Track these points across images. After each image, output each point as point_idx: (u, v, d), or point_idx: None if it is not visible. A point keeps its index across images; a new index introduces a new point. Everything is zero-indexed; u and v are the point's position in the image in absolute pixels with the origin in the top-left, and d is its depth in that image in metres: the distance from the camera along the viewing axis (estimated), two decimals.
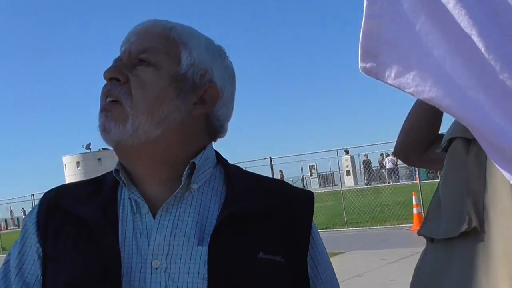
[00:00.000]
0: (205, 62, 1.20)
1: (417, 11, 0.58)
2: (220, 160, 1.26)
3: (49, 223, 1.18)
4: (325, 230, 15.13)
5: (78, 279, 1.09)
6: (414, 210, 13.04)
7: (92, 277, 1.08)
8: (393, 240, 11.58)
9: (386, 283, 7.62)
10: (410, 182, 23.91)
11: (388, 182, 26.51)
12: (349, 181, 30.04)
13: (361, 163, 30.73)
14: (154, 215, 1.13)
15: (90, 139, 27.77)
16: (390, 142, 22.17)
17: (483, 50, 0.57)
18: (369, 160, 29.44)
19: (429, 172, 20.75)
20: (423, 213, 13.18)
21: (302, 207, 1.23)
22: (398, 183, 24.14)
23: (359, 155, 30.62)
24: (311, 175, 35.06)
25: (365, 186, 23.37)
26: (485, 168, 0.84)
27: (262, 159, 18.37)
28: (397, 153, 1.91)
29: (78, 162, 28.13)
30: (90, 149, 27.98)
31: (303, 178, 34.68)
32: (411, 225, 13.05)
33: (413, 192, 13.43)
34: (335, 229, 14.93)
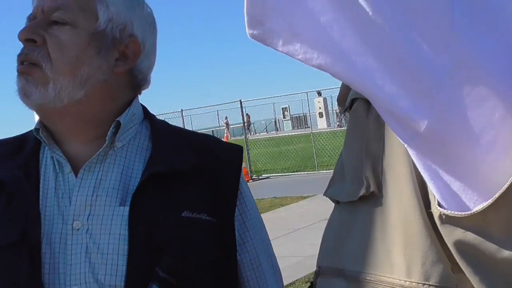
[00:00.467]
0: (123, 15, 1.15)
1: None
2: (146, 115, 1.23)
3: None
4: (295, 173, 15.23)
5: None
6: None
7: (9, 242, 1.06)
8: None
9: None
10: None
11: None
12: (321, 123, 30.14)
13: (333, 105, 30.80)
14: (77, 175, 1.11)
15: None
16: None
17: (370, 13, 0.56)
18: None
19: None
20: None
21: (230, 162, 1.21)
22: None
23: (331, 97, 30.62)
24: (284, 117, 35.08)
25: (338, 129, 23.47)
26: (384, 131, 0.82)
27: (232, 102, 18.22)
28: (340, 101, 1.81)
29: None
30: None
31: (275, 120, 34.72)
32: None
33: None
34: (305, 172, 15.04)
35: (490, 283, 0.69)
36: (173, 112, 19.04)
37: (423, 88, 0.58)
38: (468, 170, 0.64)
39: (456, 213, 0.67)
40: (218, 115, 28.65)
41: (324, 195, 1.01)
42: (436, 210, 0.71)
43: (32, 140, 1.17)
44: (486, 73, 0.58)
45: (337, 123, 29.76)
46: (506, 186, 0.62)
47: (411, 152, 0.67)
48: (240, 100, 16.58)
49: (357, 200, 0.84)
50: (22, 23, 1.14)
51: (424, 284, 0.76)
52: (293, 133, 24.50)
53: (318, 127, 26.87)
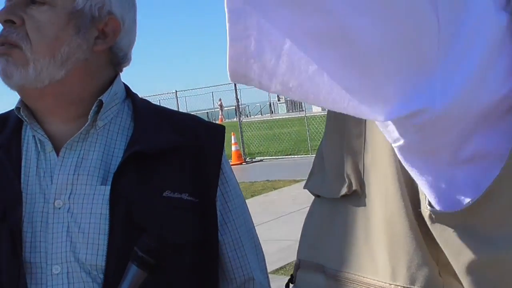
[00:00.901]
0: None
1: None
2: (129, 94, 1.23)
3: None
4: (288, 156, 15.23)
5: None
6: None
7: None
8: None
9: None
10: None
11: None
12: (316, 107, 30.08)
13: None
14: (58, 154, 1.12)
15: None
16: None
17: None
18: None
19: None
20: None
21: (212, 142, 1.21)
22: None
23: None
24: (278, 100, 35.01)
25: None
26: (365, 127, 0.78)
27: (226, 84, 18.15)
28: None
29: None
30: None
31: (270, 103, 34.66)
32: None
33: None
34: (298, 156, 15.02)
35: (484, 284, 0.67)
36: (167, 93, 18.96)
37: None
38: (457, 165, 0.62)
39: (446, 211, 0.65)
40: (212, 97, 28.60)
41: (304, 187, 0.99)
42: (426, 210, 0.68)
43: (13, 119, 1.17)
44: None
45: None
46: (493, 179, 0.60)
47: (397, 149, 0.65)
48: (235, 83, 16.45)
49: (339, 198, 0.82)
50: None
51: (409, 287, 0.75)
52: (287, 116, 24.47)
53: (313, 111, 26.80)
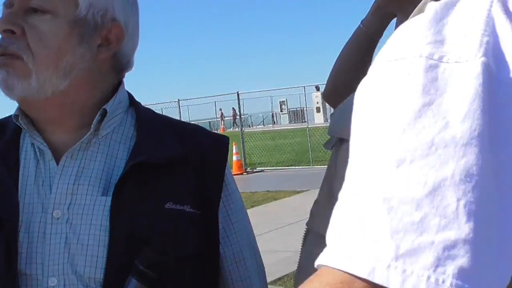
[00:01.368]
0: (104, 0, 1.11)
1: None
2: (132, 103, 1.20)
3: None
4: (290, 167, 15.22)
5: None
6: None
7: None
8: None
9: None
10: None
11: None
12: (319, 118, 30.10)
13: None
14: (58, 163, 1.09)
15: None
16: None
17: None
18: None
19: None
20: None
21: (216, 153, 1.19)
22: None
23: None
24: (281, 111, 35.05)
25: None
26: None
27: (229, 93, 18.18)
28: (325, 97, 1.85)
29: None
30: None
31: (273, 114, 34.69)
32: None
33: None
34: (300, 167, 15.01)
35: None
36: (169, 102, 18.95)
37: None
38: None
39: None
40: (215, 106, 28.66)
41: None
42: None
43: (12, 126, 1.14)
44: None
45: None
46: None
47: None
48: (238, 92, 16.52)
49: None
50: None
51: None
52: (289, 127, 24.48)
53: (315, 122, 26.85)
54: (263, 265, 1.26)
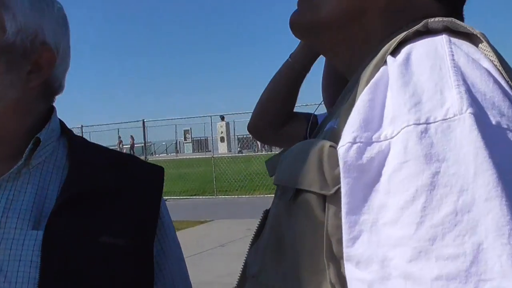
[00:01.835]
0: (33, 23, 1.04)
1: None
2: (64, 130, 1.16)
3: None
4: (194, 197, 15.12)
5: None
6: None
7: None
8: (260, 210, 11.61)
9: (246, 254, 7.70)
10: None
11: (261, 151, 27.05)
12: (222, 148, 30.35)
13: (235, 131, 31.15)
14: None
15: None
16: None
17: None
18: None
19: None
20: None
21: (151, 184, 1.16)
22: (271, 152, 24.66)
23: (234, 122, 30.93)
24: (185, 140, 34.97)
25: (238, 154, 23.70)
26: None
27: (135, 121, 17.95)
28: (250, 129, 1.87)
29: None
30: None
31: (177, 142, 34.55)
32: None
33: None
34: (204, 196, 14.97)
35: None
36: (72, 128, 18.43)
37: None
38: None
39: None
40: (118, 133, 28.10)
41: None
42: None
43: None
44: None
45: (238, 148, 30.06)
46: None
47: None
48: (143, 120, 16.36)
49: None
50: None
51: None
52: (193, 156, 24.43)
53: (219, 152, 26.98)
54: None
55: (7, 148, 1.05)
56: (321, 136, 0.76)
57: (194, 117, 22.27)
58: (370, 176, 0.62)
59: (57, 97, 1.15)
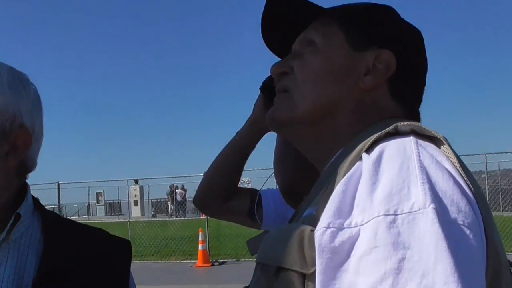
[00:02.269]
0: (12, 107, 1.08)
1: None
2: (36, 206, 1.19)
3: None
4: None
5: None
6: (200, 247, 13.26)
7: None
8: (177, 276, 11.63)
9: None
10: (196, 217, 24.39)
11: (176, 216, 26.77)
12: (136, 211, 29.67)
13: (149, 195, 30.67)
14: None
15: None
16: (179, 176, 22.59)
17: None
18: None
19: None
20: (207, 250, 13.51)
21: (120, 257, 1.21)
22: (185, 218, 24.43)
23: (148, 186, 30.51)
24: (97, 202, 33.96)
25: (153, 219, 23.32)
26: None
27: (50, 183, 17.42)
28: (196, 202, 1.92)
29: None
30: None
31: (89, 205, 33.47)
32: (195, 261, 13.25)
33: (200, 228, 13.69)
34: None
35: None
36: None
37: None
38: None
39: None
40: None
41: None
42: None
43: None
44: None
45: (152, 212, 29.59)
46: None
47: None
48: (58, 182, 15.99)
49: None
50: None
51: None
52: (105, 220, 23.81)
53: (132, 215, 26.45)
54: None
55: None
56: (300, 221, 0.80)
57: (108, 181, 21.71)
58: (341, 257, 0.68)
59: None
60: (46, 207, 1.24)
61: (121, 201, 32.66)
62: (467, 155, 13.58)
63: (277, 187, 1.73)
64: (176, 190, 28.80)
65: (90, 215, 32.51)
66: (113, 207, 33.16)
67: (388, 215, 0.65)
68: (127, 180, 19.14)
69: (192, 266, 12.93)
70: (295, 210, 0.97)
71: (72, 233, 1.19)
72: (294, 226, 0.78)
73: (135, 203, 30.49)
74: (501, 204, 17.94)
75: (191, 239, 14.22)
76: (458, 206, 0.67)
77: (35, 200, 1.20)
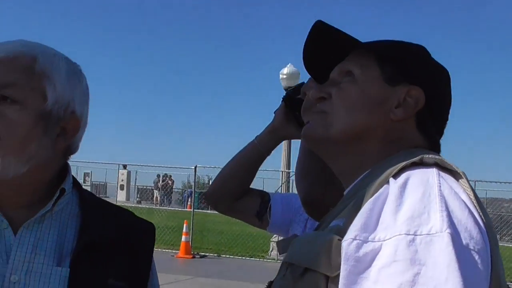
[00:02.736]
0: (68, 95, 1.20)
1: None
2: (75, 184, 1.30)
3: None
4: None
5: None
6: (183, 238, 13.33)
7: None
8: (158, 265, 11.44)
9: None
10: (180, 209, 24.38)
11: (160, 205, 26.80)
12: (121, 195, 29.64)
13: (136, 181, 30.69)
14: (14, 233, 1.16)
15: None
16: (167, 166, 22.56)
17: None
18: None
19: (200, 202, 21.46)
20: (190, 242, 13.57)
21: (146, 238, 1.34)
22: (171, 208, 24.43)
23: (136, 172, 30.52)
24: (84, 182, 33.89)
25: (138, 205, 23.31)
26: None
27: None
28: (208, 198, 2.01)
29: None
30: None
31: None
32: (177, 251, 13.32)
33: (185, 220, 13.75)
34: None
35: None
36: None
37: None
38: None
39: None
40: None
41: None
42: None
43: None
44: None
45: (137, 198, 29.62)
46: None
47: None
48: None
49: None
50: None
51: None
52: None
53: (118, 199, 26.44)
54: None
55: (30, 197, 1.20)
56: (328, 230, 0.89)
57: (97, 162, 21.77)
58: (363, 266, 0.76)
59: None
60: None
61: (108, 183, 32.63)
62: None
63: (282, 191, 1.83)
64: (163, 179, 28.84)
65: None
66: (98, 189, 33.10)
67: (408, 234, 0.73)
68: (118, 164, 19.13)
69: (173, 256, 12.99)
70: (320, 220, 1.06)
71: (106, 211, 1.31)
72: (323, 234, 0.88)
73: (121, 187, 30.45)
74: None
75: (175, 230, 14.28)
76: (471, 233, 0.75)
77: (74, 179, 1.31)
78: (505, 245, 16.03)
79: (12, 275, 1.11)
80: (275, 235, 13.02)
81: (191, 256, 13.26)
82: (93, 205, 1.29)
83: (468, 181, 0.88)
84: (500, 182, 15.65)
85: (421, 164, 0.88)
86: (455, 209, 0.77)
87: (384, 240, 0.75)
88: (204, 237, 16.07)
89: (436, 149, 1.04)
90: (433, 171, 0.85)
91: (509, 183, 15.69)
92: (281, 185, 12.01)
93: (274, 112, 1.86)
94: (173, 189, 28.81)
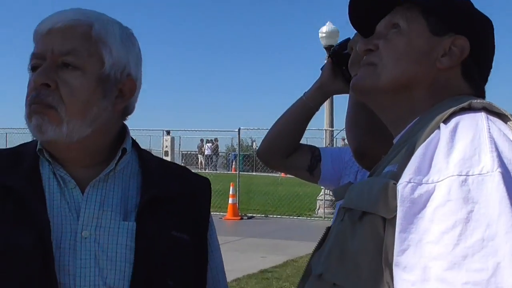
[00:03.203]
0: (123, 58, 1.26)
1: None
2: (133, 143, 1.37)
3: None
4: None
5: (10, 248, 1.12)
6: (230, 200, 13.58)
7: (24, 245, 1.13)
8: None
9: None
10: (226, 172, 24.61)
11: (205, 169, 27.15)
12: None
13: (180, 146, 31.08)
14: (82, 191, 1.23)
15: None
16: (211, 130, 22.75)
17: None
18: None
19: (245, 165, 21.63)
20: (237, 204, 13.76)
21: (204, 193, 1.41)
22: (217, 172, 24.75)
23: (180, 138, 30.88)
24: None
25: None
26: None
27: None
28: (260, 155, 2.06)
29: None
30: None
31: None
32: (225, 214, 13.55)
33: (231, 183, 13.94)
34: None
35: None
36: None
37: None
38: None
39: None
40: None
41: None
42: None
43: (30, 156, 1.26)
44: None
45: (182, 163, 29.98)
46: None
47: None
48: None
49: None
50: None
51: None
52: None
53: None
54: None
55: (94, 157, 1.27)
56: (382, 176, 0.93)
57: (140, 129, 22.05)
58: (418, 207, 0.79)
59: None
60: None
61: (152, 150, 33.14)
62: None
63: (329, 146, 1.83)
64: (207, 144, 29.08)
65: None
66: None
67: (460, 175, 0.77)
68: (162, 130, 19.37)
69: (221, 218, 13.22)
70: (371, 168, 1.09)
71: (164, 167, 1.38)
72: (378, 179, 0.91)
73: (166, 153, 30.86)
74: None
75: (222, 193, 14.49)
76: None
77: (132, 139, 1.37)
78: None
79: (83, 230, 1.19)
80: (321, 194, 13.10)
81: (239, 217, 13.49)
82: (152, 163, 1.36)
83: None
84: None
85: (470, 109, 0.91)
86: (504, 149, 0.80)
87: (438, 182, 0.79)
88: (251, 199, 16.29)
89: (482, 95, 1.06)
90: (482, 115, 0.87)
91: None
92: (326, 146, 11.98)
93: (321, 69, 1.89)
94: (219, 153, 29.04)
